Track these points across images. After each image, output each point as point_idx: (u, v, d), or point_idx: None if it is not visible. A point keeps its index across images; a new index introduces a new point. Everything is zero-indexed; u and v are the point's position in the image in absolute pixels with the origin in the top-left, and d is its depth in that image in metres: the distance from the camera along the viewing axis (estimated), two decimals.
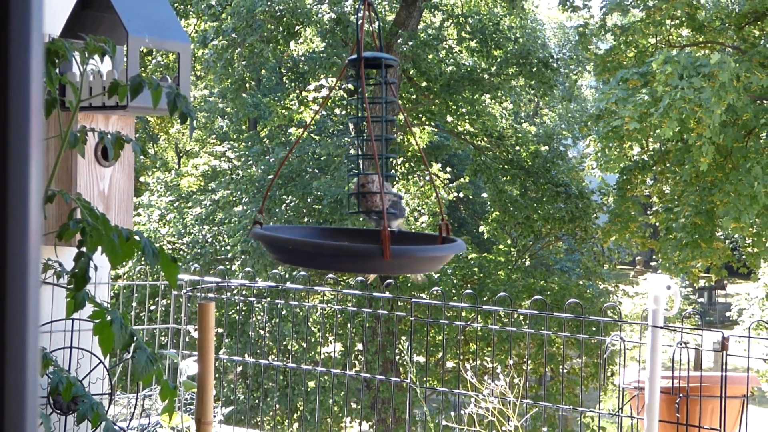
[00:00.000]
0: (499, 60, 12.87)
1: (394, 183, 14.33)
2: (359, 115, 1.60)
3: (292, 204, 11.59)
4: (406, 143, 13.49)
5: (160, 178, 13.05)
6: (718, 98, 8.22)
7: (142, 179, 14.24)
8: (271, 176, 11.76)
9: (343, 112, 11.59)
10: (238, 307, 10.47)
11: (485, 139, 13.48)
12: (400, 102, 1.75)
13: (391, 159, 1.65)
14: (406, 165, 13.52)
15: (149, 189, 13.21)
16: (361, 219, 11.06)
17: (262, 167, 12.02)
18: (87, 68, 1.87)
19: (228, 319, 10.46)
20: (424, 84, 12.83)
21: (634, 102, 8.69)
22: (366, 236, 1.64)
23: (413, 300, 4.77)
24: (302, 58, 13.43)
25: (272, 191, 11.86)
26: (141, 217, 12.05)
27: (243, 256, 10.63)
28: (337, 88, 11.34)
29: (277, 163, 11.90)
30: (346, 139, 15.00)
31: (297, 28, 12.54)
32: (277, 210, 11.25)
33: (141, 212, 12.17)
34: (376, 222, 1.53)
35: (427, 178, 14.26)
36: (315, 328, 11.56)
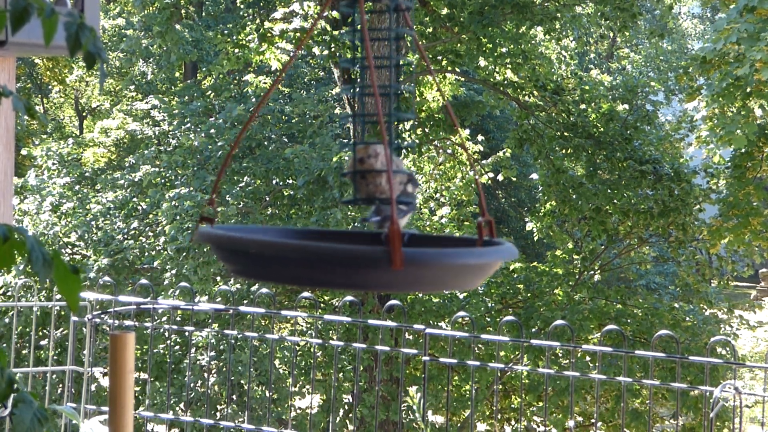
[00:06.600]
0: None
1: (406, 156, 14.25)
2: (354, 56, 1.59)
3: (250, 188, 11.60)
4: (417, 98, 13.48)
5: (52, 149, 13.05)
6: None
7: (25, 151, 14.24)
8: (220, 144, 11.76)
9: (325, 52, 11.59)
10: (169, 341, 10.52)
11: (535, 93, 13.47)
12: (416, 37, 1.72)
13: (404, 122, 1.64)
14: (418, 131, 13.52)
15: (36, 165, 13.23)
16: (351, 213, 11.09)
17: (205, 133, 12.02)
18: None
19: (154, 358, 10.48)
20: (444, 11, 12.82)
21: None
22: (360, 242, 1.63)
23: (428, 331, 4.76)
24: None
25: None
26: (24, 204, 12.07)
27: (177, 265, 10.64)
28: (313, 14, 11.32)
29: (227, 124, 11.90)
30: (332, 91, 15.00)
31: None
32: (227, 196, 11.25)
33: (24, 199, 12.18)
34: (380, 220, 1.51)
35: (453, 150, 14.27)
36: (283, 370, 11.58)
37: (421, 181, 14.63)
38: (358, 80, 1.60)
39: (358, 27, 1.51)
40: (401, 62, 1.63)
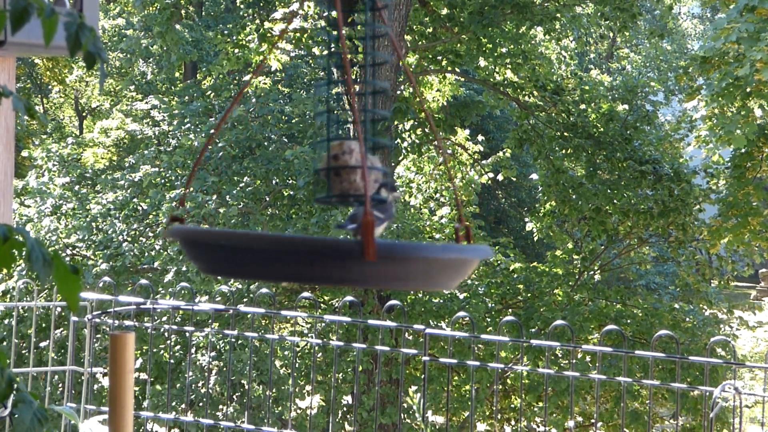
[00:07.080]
0: None
1: (397, 159, 14.21)
2: (331, 52, 1.60)
3: (250, 188, 11.60)
4: (418, 99, 13.48)
5: (52, 151, 13.04)
6: None
7: (26, 152, 14.25)
8: (220, 145, 11.75)
9: (325, 52, 11.59)
10: (169, 341, 10.52)
11: (535, 93, 13.47)
12: (393, 35, 1.73)
13: (381, 120, 1.63)
14: (418, 131, 13.53)
15: (36, 165, 13.23)
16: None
17: (205, 133, 12.02)
18: None
19: (155, 358, 10.48)
20: (444, 11, 12.82)
21: None
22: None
23: (428, 331, 4.76)
24: None
25: (224, 166, 11.86)
26: (25, 208, 12.06)
27: (177, 265, 10.63)
28: (313, 14, 11.32)
29: (227, 124, 11.89)
30: (335, 90, 14.98)
31: None
32: (227, 197, 11.25)
33: (24, 201, 12.17)
34: (356, 227, 1.50)
35: (448, 151, 14.27)
36: (284, 370, 11.58)
37: (421, 181, 14.62)
38: (335, 77, 1.61)
39: (357, 26, 1.52)
40: (402, 62, 1.64)
